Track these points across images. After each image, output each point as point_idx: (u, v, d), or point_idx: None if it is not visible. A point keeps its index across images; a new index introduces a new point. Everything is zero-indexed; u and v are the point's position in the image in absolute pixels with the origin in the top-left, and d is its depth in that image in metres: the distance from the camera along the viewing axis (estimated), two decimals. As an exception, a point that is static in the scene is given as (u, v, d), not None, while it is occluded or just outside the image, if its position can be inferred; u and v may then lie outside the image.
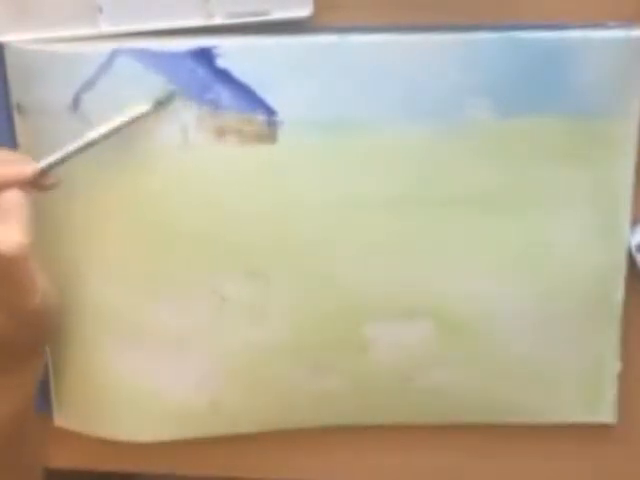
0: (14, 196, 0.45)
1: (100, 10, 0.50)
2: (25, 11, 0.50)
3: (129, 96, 0.50)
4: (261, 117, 0.50)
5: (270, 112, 0.50)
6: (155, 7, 0.50)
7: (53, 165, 0.48)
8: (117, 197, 0.52)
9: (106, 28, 0.50)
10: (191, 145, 0.51)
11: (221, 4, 0.50)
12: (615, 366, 0.54)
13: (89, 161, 0.51)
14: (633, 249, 0.52)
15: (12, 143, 0.53)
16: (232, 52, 0.50)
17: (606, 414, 0.55)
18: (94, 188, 0.52)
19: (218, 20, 0.50)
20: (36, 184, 0.47)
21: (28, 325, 0.47)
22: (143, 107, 0.49)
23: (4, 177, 0.46)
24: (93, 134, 0.49)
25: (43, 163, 0.48)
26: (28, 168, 0.47)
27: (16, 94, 0.52)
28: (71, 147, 0.49)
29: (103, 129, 0.49)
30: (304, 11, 0.50)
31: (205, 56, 0.50)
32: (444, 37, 0.50)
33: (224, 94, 0.50)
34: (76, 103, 0.50)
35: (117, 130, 0.49)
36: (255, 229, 0.52)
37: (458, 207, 0.52)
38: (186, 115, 0.50)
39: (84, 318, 0.54)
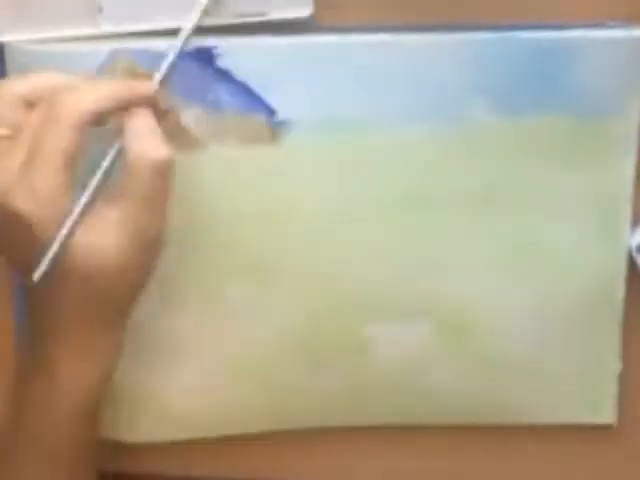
0: (146, 116, 0.46)
1: (100, 10, 0.50)
2: (25, 11, 0.50)
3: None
4: (261, 117, 0.50)
5: (270, 112, 0.50)
6: (155, 7, 0.50)
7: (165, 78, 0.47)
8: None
9: (106, 28, 0.50)
10: (191, 145, 0.51)
11: (220, 4, 0.50)
12: (615, 366, 0.54)
13: (88, 163, 0.51)
14: (633, 250, 0.52)
15: (12, 143, 0.53)
16: (232, 52, 0.50)
17: (606, 414, 0.55)
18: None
19: (218, 20, 0.50)
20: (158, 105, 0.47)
21: (147, 256, 0.47)
22: None
23: (133, 91, 0.46)
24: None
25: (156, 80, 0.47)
26: (149, 84, 0.47)
27: (16, 94, 0.52)
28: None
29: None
30: (304, 12, 0.50)
31: (205, 56, 0.50)
32: (444, 37, 0.50)
33: (224, 94, 0.50)
34: (76, 103, 0.50)
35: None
36: (255, 229, 0.52)
37: (458, 207, 0.52)
38: (186, 115, 0.50)
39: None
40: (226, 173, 0.51)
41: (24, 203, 0.44)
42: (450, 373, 0.54)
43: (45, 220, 0.44)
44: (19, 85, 0.46)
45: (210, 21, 0.49)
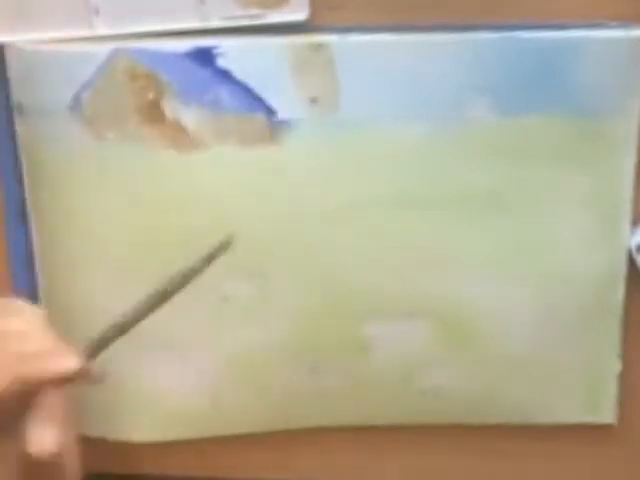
0: (54, 397, 0.42)
1: (97, 12, 0.50)
2: (23, 12, 0.50)
3: (129, 95, 0.50)
4: (261, 117, 0.50)
5: (270, 112, 0.50)
6: (151, 9, 0.50)
7: (96, 351, 0.45)
8: (117, 197, 0.52)
9: (102, 30, 0.50)
10: (191, 145, 0.51)
11: (217, 7, 0.49)
12: (615, 366, 0.54)
13: (90, 163, 0.51)
14: (633, 249, 0.52)
15: (12, 143, 0.53)
16: (232, 52, 0.50)
17: (606, 414, 0.55)
18: (95, 189, 0.52)
19: (214, 23, 0.50)
20: (79, 378, 0.44)
21: None
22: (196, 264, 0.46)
23: (44, 373, 0.42)
24: (130, 316, 0.45)
25: (84, 353, 0.44)
26: (71, 363, 0.43)
27: (16, 94, 0.52)
28: (110, 332, 0.45)
29: (143, 313, 0.45)
30: (300, 15, 0.50)
31: (205, 56, 0.50)
32: (444, 37, 0.50)
33: (224, 94, 0.50)
34: (76, 103, 0.50)
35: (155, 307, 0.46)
36: (255, 229, 0.52)
37: (458, 207, 0.52)
38: (186, 115, 0.50)
39: (84, 319, 0.54)
40: (226, 173, 0.51)
41: None
42: (450, 373, 0.54)
43: None
44: None
45: (203, 25, 0.49)
